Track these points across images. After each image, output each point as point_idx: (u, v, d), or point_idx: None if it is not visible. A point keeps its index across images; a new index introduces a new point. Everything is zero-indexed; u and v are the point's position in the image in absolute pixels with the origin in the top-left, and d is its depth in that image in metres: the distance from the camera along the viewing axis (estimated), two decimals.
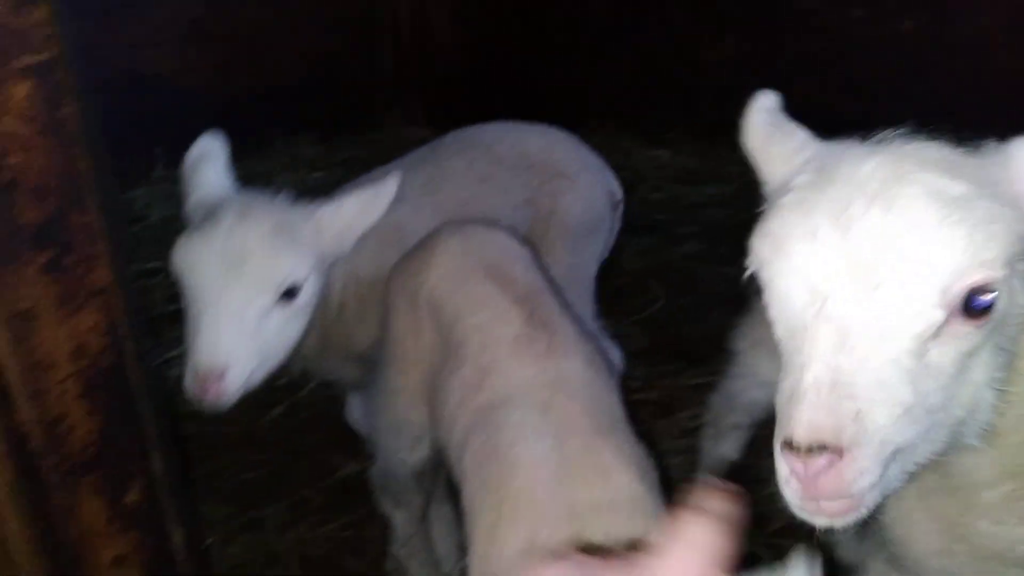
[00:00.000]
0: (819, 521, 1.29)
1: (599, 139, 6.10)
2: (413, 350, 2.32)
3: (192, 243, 2.34)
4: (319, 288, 2.51)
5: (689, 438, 3.31)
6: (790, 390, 1.27)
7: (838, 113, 5.79)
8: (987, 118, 5.66)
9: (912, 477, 1.38)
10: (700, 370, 3.70)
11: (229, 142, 2.74)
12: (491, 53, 6.60)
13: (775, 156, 1.67)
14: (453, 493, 2.54)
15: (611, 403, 1.99)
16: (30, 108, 1.46)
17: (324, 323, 2.69)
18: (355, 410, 3.31)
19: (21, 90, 1.44)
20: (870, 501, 1.27)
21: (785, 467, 1.25)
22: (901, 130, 2.28)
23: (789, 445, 1.22)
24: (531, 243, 2.63)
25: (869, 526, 1.82)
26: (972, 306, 1.28)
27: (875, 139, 1.52)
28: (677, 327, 4.07)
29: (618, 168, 5.75)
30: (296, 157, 5.81)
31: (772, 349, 1.44)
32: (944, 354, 1.29)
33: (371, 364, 2.69)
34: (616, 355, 3.15)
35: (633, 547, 0.82)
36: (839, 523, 1.29)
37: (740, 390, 2.69)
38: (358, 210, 2.52)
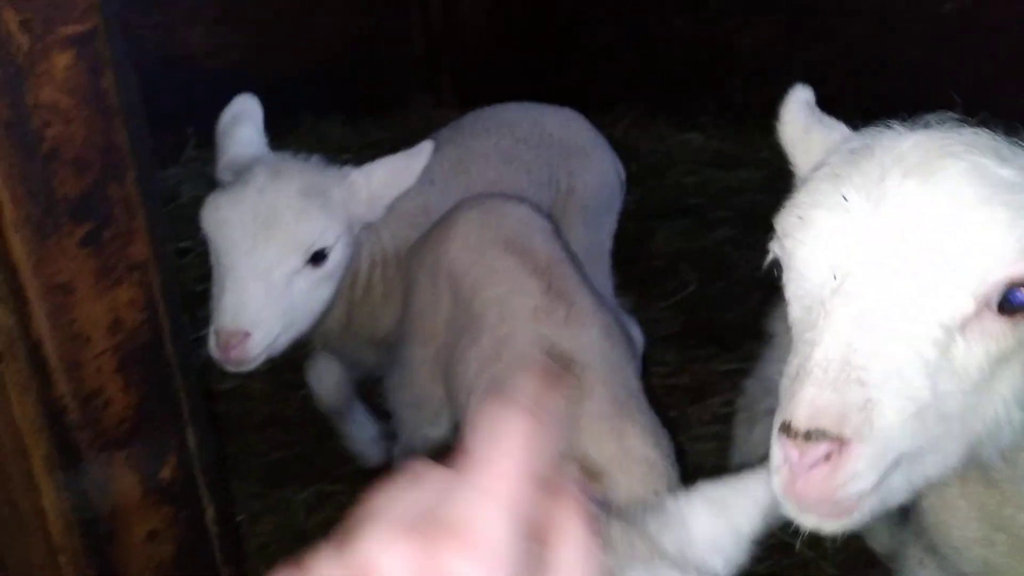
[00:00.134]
0: (806, 521, 1.16)
1: (630, 122, 6.11)
2: (432, 323, 2.33)
3: (222, 201, 2.32)
4: (348, 256, 2.49)
5: (721, 424, 3.27)
6: (796, 369, 1.16)
7: (875, 98, 5.72)
8: None
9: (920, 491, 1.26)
10: (732, 355, 3.66)
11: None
12: (521, 34, 6.56)
13: (814, 146, 1.56)
14: None
15: (627, 374, 1.99)
16: (71, 79, 1.46)
17: (350, 300, 2.68)
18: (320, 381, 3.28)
19: (63, 60, 1.43)
20: (866, 508, 1.14)
21: (779, 453, 1.13)
22: (949, 116, 2.24)
23: (787, 429, 1.10)
24: (552, 217, 2.61)
25: (907, 511, 1.78)
26: (1010, 301, 1.14)
27: (920, 124, 1.40)
28: (709, 312, 4.03)
29: (650, 152, 5.76)
30: (325, 139, 5.80)
31: None
32: (971, 353, 1.15)
33: (390, 350, 2.70)
34: (636, 332, 3.14)
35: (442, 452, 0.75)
36: (828, 527, 1.16)
37: (775, 374, 2.65)
38: (390, 176, 2.50)
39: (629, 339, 2.29)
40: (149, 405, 1.60)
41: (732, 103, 6.05)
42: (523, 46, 6.55)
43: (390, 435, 2.99)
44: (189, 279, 3.83)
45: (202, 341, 3.61)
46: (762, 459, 2.79)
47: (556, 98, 6.57)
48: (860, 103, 5.60)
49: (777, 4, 5.86)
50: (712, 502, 1.10)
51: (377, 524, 0.68)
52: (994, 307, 1.15)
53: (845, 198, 1.21)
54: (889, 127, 1.43)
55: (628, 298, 4.16)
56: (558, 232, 2.46)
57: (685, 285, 4.22)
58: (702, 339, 3.83)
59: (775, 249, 1.34)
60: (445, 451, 0.75)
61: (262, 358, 2.30)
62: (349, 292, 2.64)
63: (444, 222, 2.43)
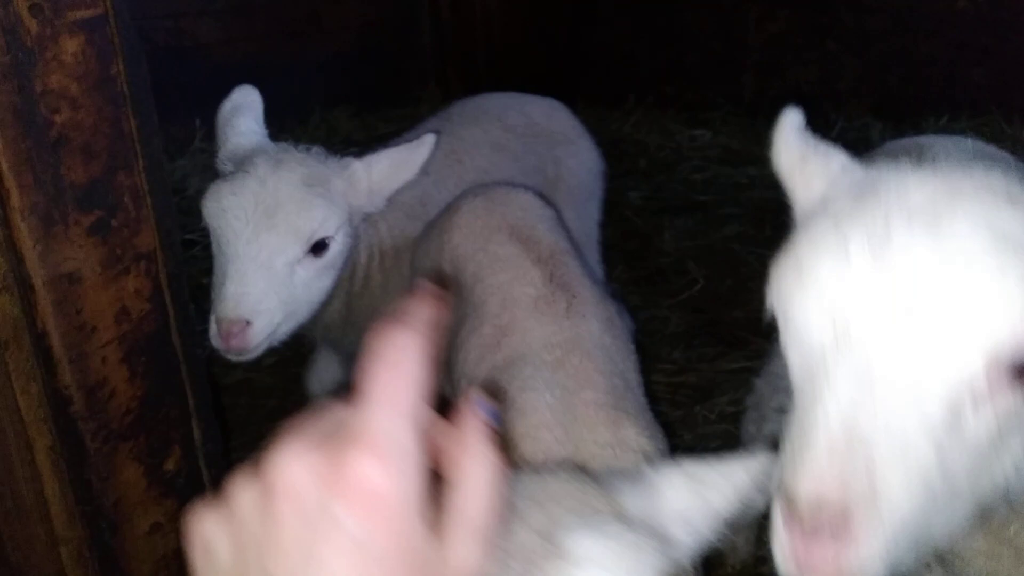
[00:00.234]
0: None
1: (639, 117, 6.08)
2: None
3: (224, 191, 2.32)
4: (348, 246, 2.48)
5: (728, 423, 3.25)
6: (797, 431, 1.09)
7: (888, 93, 5.71)
8: None
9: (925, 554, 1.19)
10: (740, 353, 3.63)
11: (269, 113, 2.72)
12: (531, 28, 6.53)
13: (812, 176, 1.42)
14: None
15: (626, 368, 1.97)
16: (81, 64, 1.44)
17: (349, 291, 2.68)
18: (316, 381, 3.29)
19: (72, 45, 1.41)
20: (871, 573, 1.07)
21: (782, 522, 1.06)
22: (957, 146, 2.20)
23: (790, 500, 1.04)
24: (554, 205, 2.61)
25: None
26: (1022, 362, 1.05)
27: (929, 163, 1.27)
28: (717, 310, 4.00)
29: (659, 147, 5.74)
30: (334, 130, 5.79)
31: None
32: (981, 416, 1.07)
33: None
34: (625, 317, 3.19)
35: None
36: None
37: (785, 372, 2.62)
38: (392, 167, 2.50)
39: (628, 329, 2.28)
40: (154, 396, 1.58)
41: (742, 99, 6.03)
42: (533, 40, 6.52)
43: None
44: (195, 271, 3.82)
45: (207, 332, 3.63)
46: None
47: (565, 92, 6.54)
48: (873, 98, 5.62)
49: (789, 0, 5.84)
50: (690, 477, 1.09)
51: (286, 444, 0.72)
52: (1005, 368, 1.06)
53: (847, 248, 1.11)
54: (897, 165, 1.29)
55: (635, 295, 4.15)
56: (561, 221, 2.45)
57: (693, 282, 4.19)
58: (710, 337, 3.81)
59: (771, 298, 1.23)
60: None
61: (263, 347, 2.30)
62: (348, 283, 2.64)
63: (448, 210, 2.42)
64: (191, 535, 0.76)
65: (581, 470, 1.15)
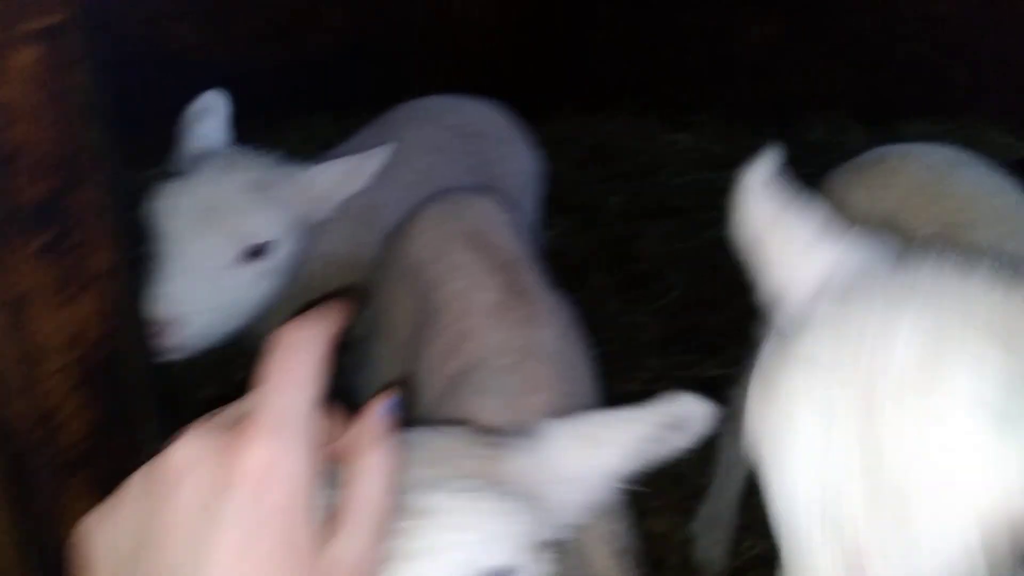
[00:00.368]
0: None
1: (620, 120, 6.06)
2: (395, 319, 2.31)
3: (167, 191, 2.32)
4: (294, 253, 2.47)
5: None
6: None
7: (872, 97, 5.71)
8: (1022, 102, 5.54)
9: None
10: (717, 361, 3.62)
11: (248, 119, 2.72)
12: (513, 34, 6.51)
13: (782, 254, 1.22)
14: None
15: (584, 375, 1.97)
16: (38, 75, 1.39)
17: (295, 300, 2.66)
18: None
19: (29, 55, 1.37)
20: None
21: None
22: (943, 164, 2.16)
23: None
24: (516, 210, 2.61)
25: None
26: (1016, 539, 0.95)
27: (917, 265, 1.09)
28: (695, 317, 3.99)
29: (639, 151, 5.71)
30: (312, 136, 5.74)
31: None
32: None
33: (359, 351, 2.69)
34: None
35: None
36: None
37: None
38: (343, 176, 2.49)
39: (585, 341, 2.27)
40: (108, 425, 1.54)
41: (724, 103, 6.02)
42: (515, 45, 6.50)
43: None
44: None
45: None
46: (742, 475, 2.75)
47: (548, 95, 6.53)
48: (855, 102, 5.62)
49: (773, 3, 5.83)
50: (582, 437, 1.06)
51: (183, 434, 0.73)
52: (1000, 544, 0.96)
53: (831, 412, 0.99)
54: (879, 250, 1.14)
55: (613, 301, 4.14)
56: (523, 226, 2.43)
57: (670, 288, 4.17)
58: (686, 344, 3.79)
59: (749, 434, 1.11)
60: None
61: (194, 347, 2.29)
62: (302, 291, 2.62)
63: (409, 217, 2.42)
64: (85, 537, 0.76)
65: (475, 429, 1.13)
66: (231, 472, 0.67)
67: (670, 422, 1.08)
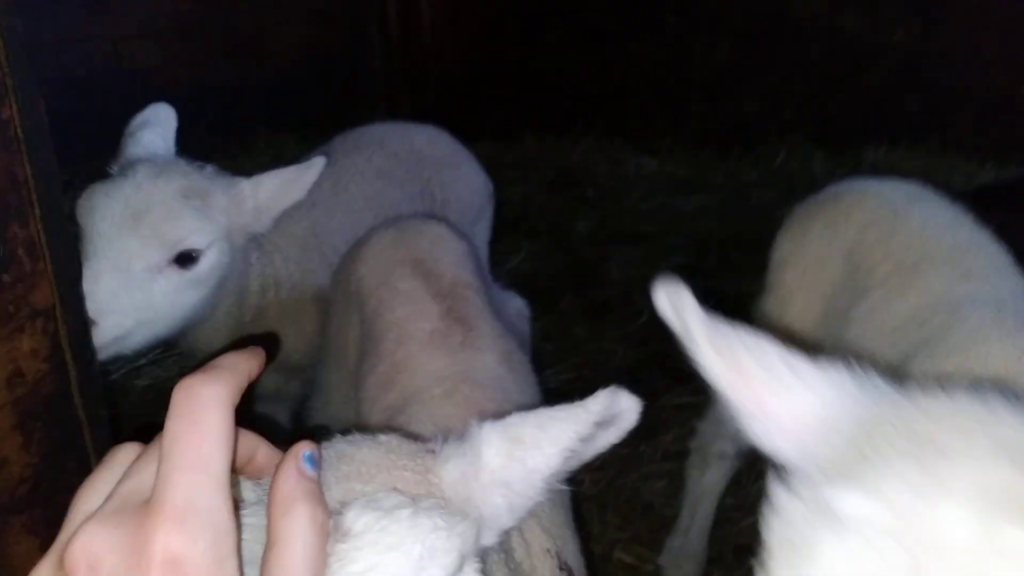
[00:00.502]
0: None
1: (587, 145, 6.06)
2: (344, 345, 2.27)
3: (97, 191, 2.27)
4: (224, 265, 2.41)
5: (672, 462, 3.20)
6: None
7: (830, 121, 5.77)
8: (979, 130, 5.67)
9: None
10: (685, 388, 3.59)
11: (212, 138, 2.66)
12: (479, 56, 6.51)
13: (766, 406, 0.99)
14: None
15: (522, 400, 1.89)
16: None
17: (239, 320, 2.63)
18: None
19: None
20: None
21: None
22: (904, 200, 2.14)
23: None
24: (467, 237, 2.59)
25: None
26: None
27: (933, 406, 0.90)
28: (662, 343, 3.93)
29: (606, 176, 5.72)
30: (279, 155, 5.67)
31: None
32: None
33: (305, 380, 2.68)
34: (519, 303, 3.22)
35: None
36: None
37: (728, 417, 2.58)
38: (280, 187, 2.45)
39: (531, 367, 2.23)
40: (53, 464, 1.48)
41: (688, 126, 6.06)
42: (481, 67, 6.50)
43: None
44: None
45: (140, 371, 3.52)
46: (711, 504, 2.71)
47: (513, 118, 6.53)
48: (815, 127, 5.68)
49: (733, 29, 5.89)
50: (510, 439, 1.03)
51: (83, 517, 0.71)
52: None
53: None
54: (886, 396, 0.93)
55: (581, 327, 4.10)
56: (474, 252, 2.42)
57: (638, 315, 4.15)
58: (655, 371, 3.76)
59: None
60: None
61: (111, 351, 2.22)
62: (237, 311, 2.59)
63: (358, 242, 2.39)
64: None
65: (406, 435, 1.09)
66: (142, 560, 0.66)
67: (602, 419, 1.05)
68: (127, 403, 3.44)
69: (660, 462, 3.24)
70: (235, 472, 0.83)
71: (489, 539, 1.03)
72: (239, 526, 0.73)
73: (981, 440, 0.83)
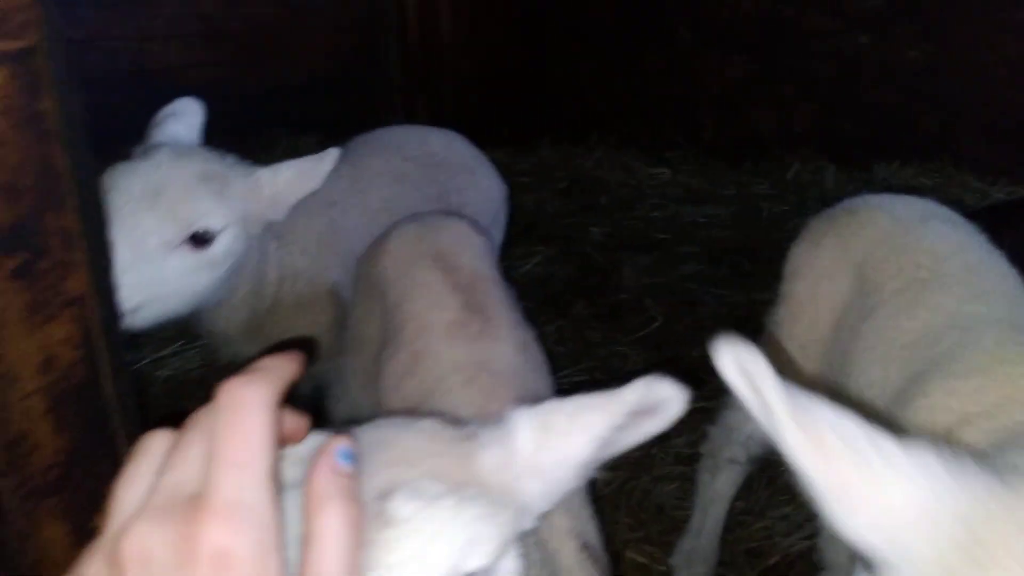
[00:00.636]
0: None
1: (601, 154, 6.11)
2: (365, 334, 2.32)
3: (119, 170, 2.32)
4: (239, 250, 2.45)
5: (684, 465, 3.22)
6: None
7: (841, 136, 5.80)
8: (991, 148, 5.70)
9: None
10: (697, 393, 3.60)
11: (233, 139, 2.73)
12: (497, 64, 6.56)
13: (861, 497, 0.88)
14: None
15: (538, 389, 1.94)
16: (5, 99, 1.37)
17: (255, 308, 2.69)
18: None
19: None
20: None
21: None
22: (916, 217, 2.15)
23: None
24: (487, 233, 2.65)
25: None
26: None
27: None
28: (674, 348, 3.99)
29: (620, 185, 5.75)
30: (299, 157, 5.73)
31: None
32: None
33: (314, 374, 2.73)
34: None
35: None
36: None
37: (739, 422, 2.60)
38: (296, 176, 2.51)
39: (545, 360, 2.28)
40: (83, 450, 1.51)
41: (701, 138, 6.10)
42: (498, 75, 6.55)
43: None
44: None
45: (162, 362, 3.57)
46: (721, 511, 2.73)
47: (528, 128, 6.57)
48: (827, 142, 5.70)
49: (747, 44, 5.92)
50: (543, 426, 1.03)
51: (127, 507, 0.74)
52: None
53: None
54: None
55: (595, 331, 4.13)
56: (492, 250, 2.48)
57: (651, 320, 4.18)
58: (667, 376, 3.78)
59: None
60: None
61: (133, 324, 2.26)
62: (253, 298, 2.65)
63: (382, 235, 2.45)
64: None
65: (445, 421, 1.11)
66: (191, 555, 0.68)
67: (642, 408, 1.05)
68: (149, 393, 3.49)
69: (672, 465, 3.26)
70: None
71: (527, 524, 1.04)
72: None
73: None
